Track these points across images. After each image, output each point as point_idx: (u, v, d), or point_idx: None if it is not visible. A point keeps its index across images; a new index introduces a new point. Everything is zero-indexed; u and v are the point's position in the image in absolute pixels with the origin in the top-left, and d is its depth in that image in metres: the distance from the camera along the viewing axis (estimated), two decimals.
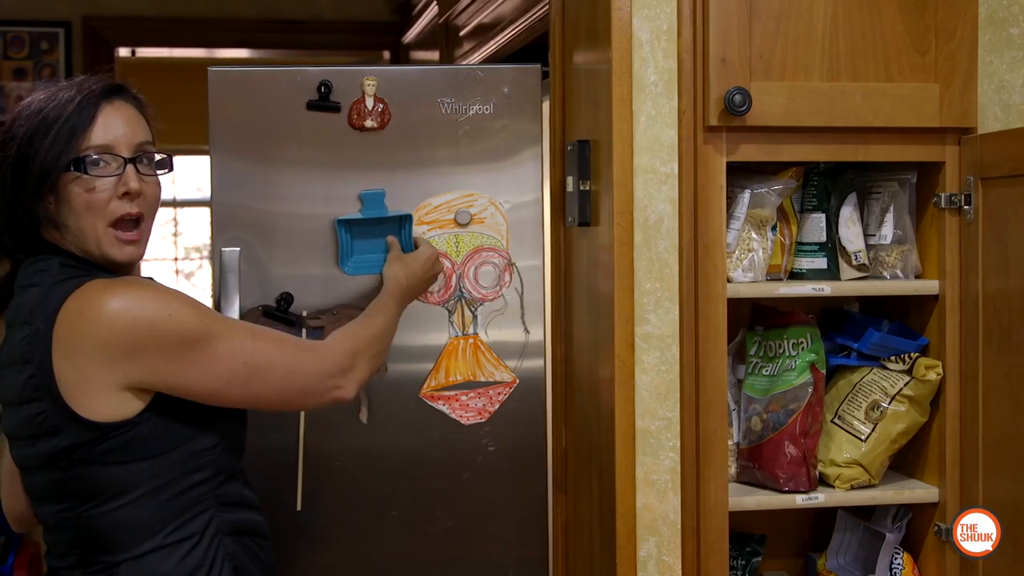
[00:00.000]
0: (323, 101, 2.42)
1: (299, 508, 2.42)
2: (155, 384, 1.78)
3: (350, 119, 2.42)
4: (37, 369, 1.76)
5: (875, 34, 2.15)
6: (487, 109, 2.45)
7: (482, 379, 2.47)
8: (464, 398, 2.47)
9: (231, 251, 2.41)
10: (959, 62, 2.17)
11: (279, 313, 2.41)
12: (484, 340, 2.48)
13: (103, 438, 1.76)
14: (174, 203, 8.37)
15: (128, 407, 1.77)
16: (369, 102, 2.43)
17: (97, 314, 1.74)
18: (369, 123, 2.43)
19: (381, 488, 2.48)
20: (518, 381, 2.47)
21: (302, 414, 2.41)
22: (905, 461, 2.34)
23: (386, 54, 5.25)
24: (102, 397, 1.75)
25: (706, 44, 2.10)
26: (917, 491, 2.27)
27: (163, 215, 8.40)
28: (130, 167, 1.85)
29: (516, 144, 2.46)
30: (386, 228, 2.40)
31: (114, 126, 1.85)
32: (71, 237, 1.84)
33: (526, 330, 2.47)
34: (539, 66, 2.46)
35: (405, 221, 2.40)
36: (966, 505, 2.19)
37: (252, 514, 1.93)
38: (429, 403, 2.47)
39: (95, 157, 1.82)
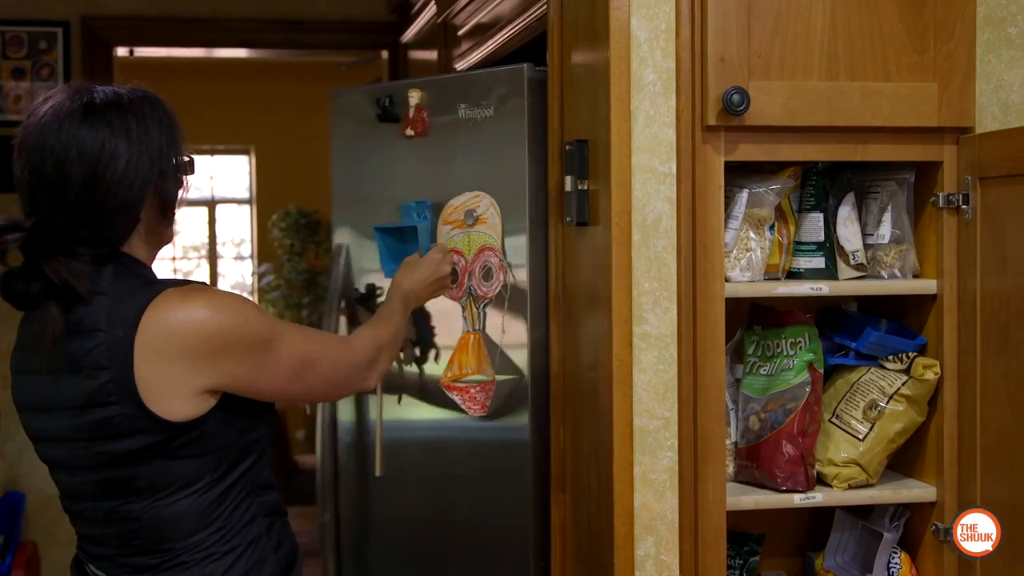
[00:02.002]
0: (385, 113, 2.73)
1: (378, 473, 2.74)
2: (232, 386, 1.89)
3: (401, 129, 2.67)
4: (116, 375, 1.81)
5: (873, 33, 2.15)
6: (489, 111, 2.53)
7: (482, 375, 2.56)
8: (473, 391, 2.58)
9: (338, 246, 2.91)
10: (957, 61, 2.18)
11: (365, 300, 2.81)
12: (485, 337, 2.54)
13: (178, 435, 1.84)
14: None
15: (202, 406, 1.86)
16: (411, 112, 2.67)
17: (183, 322, 1.82)
18: (409, 131, 2.69)
19: (410, 466, 2.78)
20: (496, 379, 2.54)
21: (379, 393, 2.71)
22: (903, 460, 2.34)
23: (384, 54, 5.24)
24: (183, 399, 1.84)
25: (704, 43, 2.10)
26: (915, 490, 2.27)
27: None
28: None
29: (510, 144, 2.49)
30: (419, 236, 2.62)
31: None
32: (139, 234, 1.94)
33: (503, 330, 2.50)
34: (524, 67, 2.49)
35: (422, 231, 2.60)
36: (964, 505, 2.19)
37: (276, 494, 2.06)
38: (446, 392, 2.62)
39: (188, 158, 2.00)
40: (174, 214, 1.98)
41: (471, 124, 2.56)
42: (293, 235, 7.76)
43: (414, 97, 2.66)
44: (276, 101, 8.05)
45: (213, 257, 8.44)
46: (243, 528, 1.94)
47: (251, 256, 8.48)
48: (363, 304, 2.82)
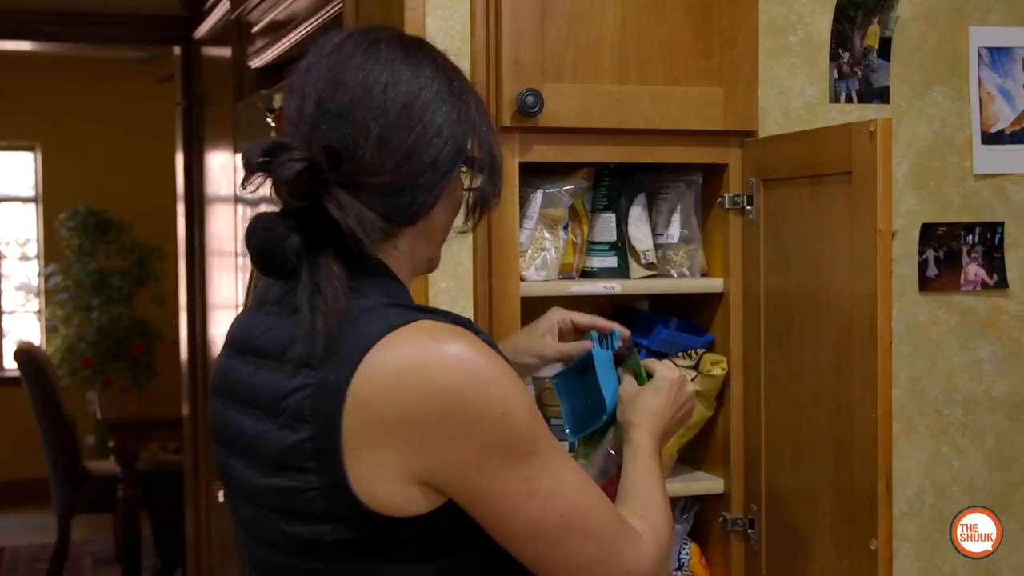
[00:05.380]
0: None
1: None
2: (453, 492, 1.34)
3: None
4: (319, 432, 1.32)
5: (662, 39, 2.20)
6: None
7: None
8: None
9: None
10: (742, 68, 2.24)
11: None
12: None
13: (392, 534, 1.33)
14: None
15: (422, 501, 1.33)
16: (277, 115, 2.77)
17: (419, 377, 1.30)
18: (273, 135, 2.76)
19: None
20: None
21: None
22: (693, 454, 2.40)
23: (176, 49, 5.12)
24: (392, 485, 1.31)
25: (499, 45, 2.12)
26: (704, 483, 2.34)
27: None
28: None
29: None
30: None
31: None
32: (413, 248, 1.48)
33: None
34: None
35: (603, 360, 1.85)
36: (750, 496, 2.26)
37: None
38: None
39: None
40: (466, 225, 1.54)
41: None
42: (82, 235, 7.52)
43: (277, 100, 2.57)
44: (64, 96, 7.79)
45: None
46: None
47: (37, 256, 8.18)
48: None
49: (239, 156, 3.39)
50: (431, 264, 1.53)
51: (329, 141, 1.37)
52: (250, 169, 1.37)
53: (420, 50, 1.46)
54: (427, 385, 1.30)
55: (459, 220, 1.55)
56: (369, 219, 1.35)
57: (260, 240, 1.37)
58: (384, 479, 1.31)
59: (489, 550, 1.38)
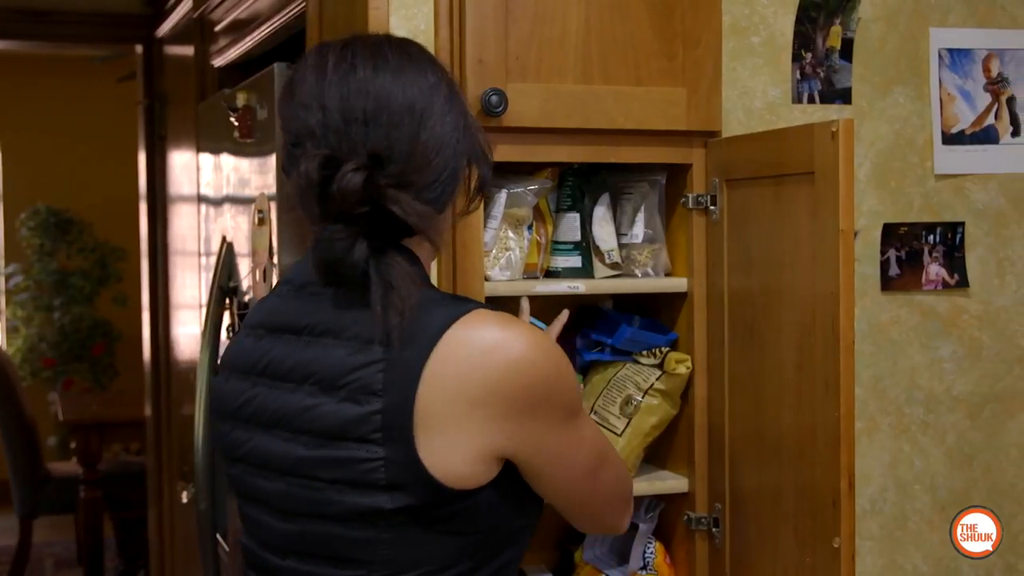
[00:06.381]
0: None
1: None
2: (527, 457, 1.47)
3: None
4: (390, 406, 1.41)
5: (626, 39, 2.21)
6: (264, 112, 2.57)
7: None
8: None
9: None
10: (705, 68, 2.25)
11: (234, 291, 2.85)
12: None
13: (443, 504, 1.43)
14: None
15: (484, 474, 1.44)
16: (239, 115, 2.70)
17: (503, 358, 1.42)
18: (236, 134, 2.70)
19: None
20: None
21: None
22: (657, 453, 2.41)
23: (138, 48, 5.08)
24: (466, 459, 1.42)
25: (463, 45, 2.12)
26: (669, 482, 2.35)
27: None
28: None
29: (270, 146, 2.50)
30: None
31: None
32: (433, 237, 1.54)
33: None
34: (274, 66, 2.50)
35: None
36: (714, 494, 2.27)
37: None
38: None
39: None
40: (468, 208, 1.63)
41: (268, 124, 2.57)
42: (43, 234, 7.46)
43: (240, 99, 2.58)
44: (24, 95, 7.72)
45: None
46: None
47: None
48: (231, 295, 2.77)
49: (202, 155, 3.38)
50: (438, 248, 1.60)
51: (372, 147, 1.45)
52: (311, 185, 1.43)
53: (418, 51, 1.56)
54: (513, 363, 1.42)
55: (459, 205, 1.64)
56: (427, 212, 1.45)
57: (327, 252, 1.43)
58: (460, 451, 1.41)
59: (510, 529, 1.51)
